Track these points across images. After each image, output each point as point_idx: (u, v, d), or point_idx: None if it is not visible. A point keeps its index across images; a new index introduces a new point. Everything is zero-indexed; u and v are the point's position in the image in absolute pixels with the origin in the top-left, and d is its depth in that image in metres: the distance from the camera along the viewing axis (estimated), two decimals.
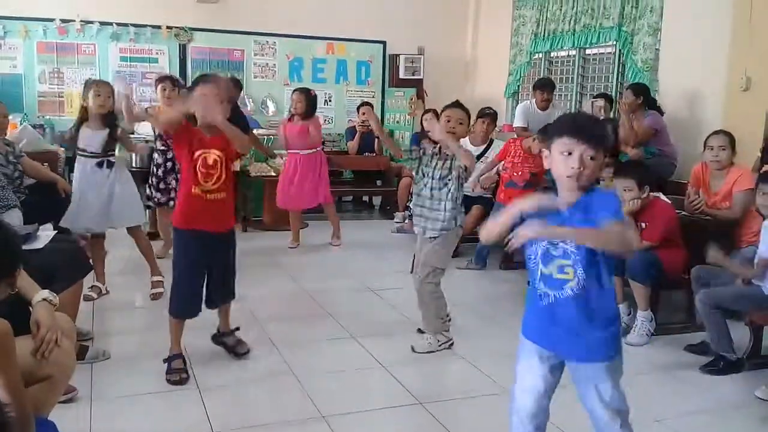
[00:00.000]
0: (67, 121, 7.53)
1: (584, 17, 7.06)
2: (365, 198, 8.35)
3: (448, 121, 3.52)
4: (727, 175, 4.20)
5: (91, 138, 4.05)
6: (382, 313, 4.21)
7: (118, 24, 7.79)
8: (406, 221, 6.62)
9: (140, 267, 4.45)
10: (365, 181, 7.75)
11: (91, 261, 3.66)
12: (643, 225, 3.82)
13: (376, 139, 7.59)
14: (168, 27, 7.97)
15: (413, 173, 3.63)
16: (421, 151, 3.54)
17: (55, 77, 7.65)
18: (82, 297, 3.36)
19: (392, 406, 2.96)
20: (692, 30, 5.77)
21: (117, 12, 7.73)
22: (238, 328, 3.45)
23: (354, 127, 7.56)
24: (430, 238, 3.49)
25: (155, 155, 5.24)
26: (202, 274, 3.19)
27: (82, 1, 7.61)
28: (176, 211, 3.22)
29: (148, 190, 5.26)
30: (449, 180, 3.44)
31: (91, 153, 4.06)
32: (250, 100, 8.19)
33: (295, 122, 5.80)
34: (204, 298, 3.24)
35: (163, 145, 5.15)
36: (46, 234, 3.16)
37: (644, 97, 5.54)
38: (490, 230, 2.01)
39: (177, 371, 3.08)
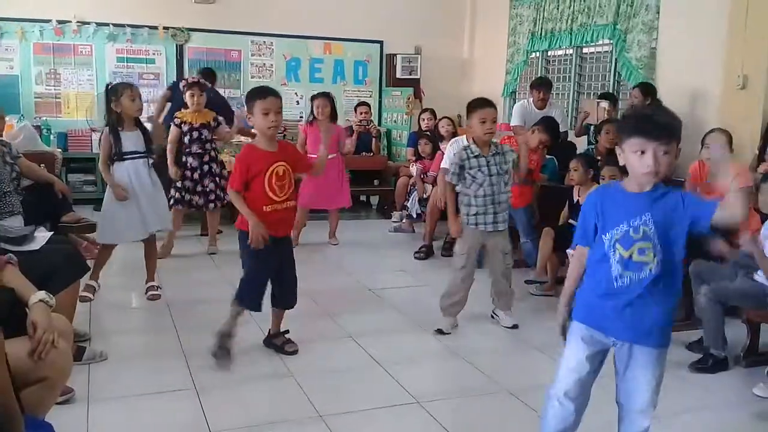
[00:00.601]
0: (65, 122, 7.57)
1: (581, 16, 7.06)
2: (363, 198, 8.35)
3: (484, 122, 3.67)
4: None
5: (136, 140, 4.08)
6: (381, 313, 4.20)
7: (115, 25, 7.78)
8: (404, 221, 6.62)
9: (137, 267, 4.44)
10: (363, 180, 7.74)
11: (89, 262, 3.67)
12: None
13: (374, 139, 7.60)
14: (165, 27, 7.97)
15: (459, 184, 3.80)
16: (459, 167, 3.74)
17: (51, 78, 7.65)
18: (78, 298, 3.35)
19: (391, 405, 2.95)
20: (689, 28, 5.78)
21: (113, 13, 7.73)
22: (288, 331, 3.52)
23: (351, 126, 7.56)
24: (500, 230, 3.80)
25: (189, 159, 5.25)
26: (269, 274, 3.33)
27: (78, 2, 7.62)
28: (243, 218, 3.25)
29: (177, 194, 5.27)
30: (503, 170, 3.74)
31: (141, 154, 4.10)
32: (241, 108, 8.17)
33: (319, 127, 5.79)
34: (272, 296, 3.40)
35: (199, 148, 5.25)
36: (42, 235, 3.15)
37: (652, 97, 5.59)
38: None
39: (224, 354, 3.22)
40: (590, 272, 2.14)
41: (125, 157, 4.05)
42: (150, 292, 4.27)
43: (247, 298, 3.32)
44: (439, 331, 3.79)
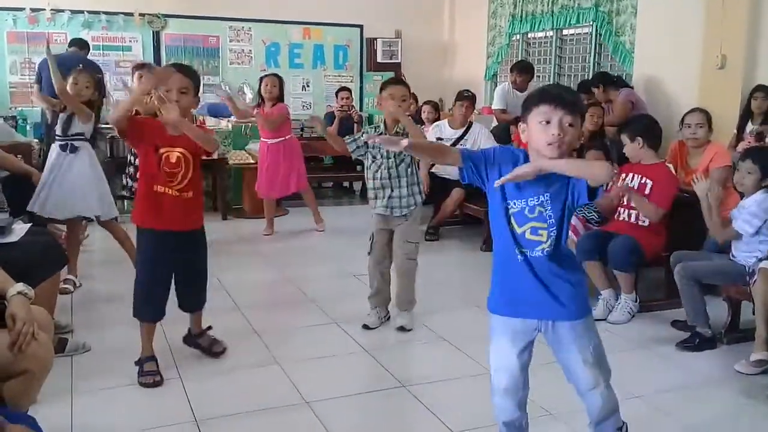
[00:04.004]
0: (40, 112, 7.43)
1: None
2: (346, 184, 8.33)
3: (392, 99, 3.48)
4: (704, 153, 4.24)
5: (60, 122, 4.03)
6: (364, 298, 4.19)
7: (90, 12, 7.66)
8: None
9: (119, 258, 4.39)
10: (345, 166, 7.70)
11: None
12: (648, 183, 3.83)
13: (356, 124, 7.56)
14: (141, 14, 7.87)
15: (364, 161, 3.61)
16: (362, 136, 3.54)
17: (26, 68, 7.52)
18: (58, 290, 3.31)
19: (376, 389, 2.96)
20: (667, 9, 5.80)
21: (88, 0, 7.59)
22: (210, 327, 3.31)
23: (333, 112, 7.52)
24: (401, 216, 3.54)
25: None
26: (167, 275, 3.01)
27: None
28: (136, 210, 3.05)
29: (124, 180, 5.19)
30: (405, 156, 3.47)
31: (57, 136, 4.04)
32: (227, 86, 8.10)
33: (268, 109, 5.72)
34: (177, 299, 3.12)
35: None
36: (20, 227, 3.11)
37: (603, 84, 5.84)
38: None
39: (150, 374, 2.94)
40: (497, 249, 2.08)
41: (56, 138, 4.05)
42: (62, 285, 3.82)
43: (143, 309, 3.00)
44: (365, 327, 3.64)
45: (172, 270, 3.03)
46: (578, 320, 2.02)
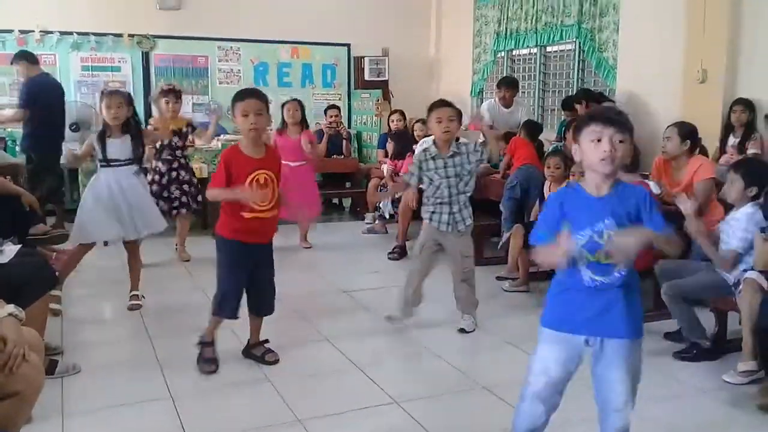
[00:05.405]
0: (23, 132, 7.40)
1: (545, 15, 7.16)
2: (335, 200, 8.35)
3: (440, 122, 3.67)
4: (687, 166, 4.29)
5: (120, 146, 4.05)
6: (356, 315, 4.22)
7: (79, 33, 7.68)
8: (377, 222, 6.63)
9: (110, 279, 4.40)
10: (334, 183, 7.75)
11: (63, 273, 3.62)
12: None
13: (344, 141, 7.60)
14: (130, 35, 7.89)
15: (418, 186, 3.88)
16: (417, 168, 3.76)
17: (15, 89, 7.50)
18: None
19: (369, 406, 2.96)
20: (649, 25, 5.89)
21: (77, 21, 7.62)
22: (267, 341, 3.46)
23: (322, 130, 7.56)
24: (459, 231, 3.77)
25: (158, 164, 5.29)
26: (245, 279, 3.28)
27: (41, 11, 7.49)
28: (223, 224, 3.26)
29: (174, 193, 5.32)
30: (463, 173, 3.72)
31: (125, 160, 4.06)
32: (216, 105, 8.12)
33: (290, 134, 5.78)
34: (248, 302, 3.36)
35: (169, 154, 5.30)
36: (10, 249, 3.11)
37: (586, 100, 5.92)
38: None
39: (208, 361, 3.25)
40: (559, 277, 2.16)
41: (111, 163, 4.04)
42: (131, 302, 4.19)
43: (223, 307, 3.28)
44: (389, 318, 3.89)
45: (248, 275, 3.29)
46: (633, 339, 2.10)
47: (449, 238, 3.80)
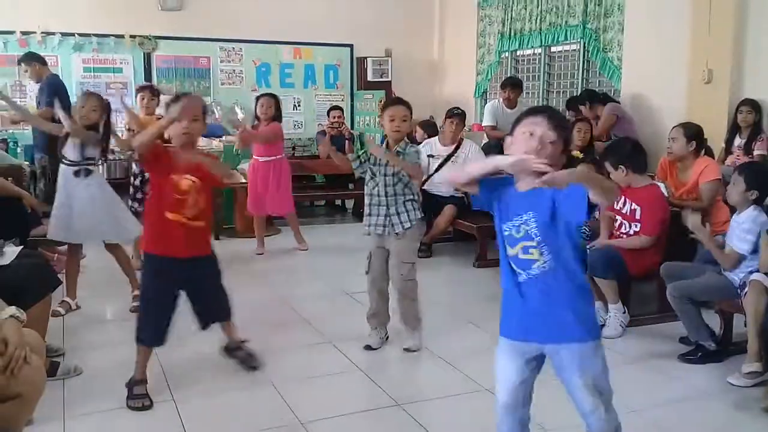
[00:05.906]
0: (32, 135, 7.42)
1: (549, 16, 7.14)
2: (338, 202, 8.33)
3: (392, 120, 3.50)
4: (693, 167, 4.26)
5: (73, 148, 3.97)
6: (358, 316, 4.18)
7: (80, 34, 7.69)
8: None
9: (113, 280, 4.38)
10: (337, 184, 7.74)
11: (61, 275, 3.61)
12: (638, 209, 3.82)
13: (347, 142, 7.59)
14: (131, 36, 7.90)
15: (365, 177, 3.60)
16: (365, 154, 3.55)
17: (17, 90, 7.52)
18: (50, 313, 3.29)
19: (371, 408, 2.95)
20: (653, 25, 5.87)
21: (79, 22, 7.64)
22: (245, 341, 3.31)
23: (324, 130, 7.55)
24: (397, 234, 3.50)
25: (134, 165, 5.25)
26: (170, 302, 2.97)
27: (42, 12, 7.51)
28: (146, 234, 3.06)
29: (129, 203, 5.18)
30: (402, 175, 3.48)
31: (72, 162, 3.98)
32: (218, 107, 8.13)
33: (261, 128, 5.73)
34: (196, 320, 3.11)
35: None
36: (12, 250, 3.10)
37: (590, 101, 5.98)
38: (456, 175, 2.12)
39: (139, 397, 2.92)
40: (501, 283, 2.10)
41: (64, 161, 3.99)
42: (133, 303, 4.09)
43: (144, 333, 2.96)
44: (368, 347, 3.60)
45: (176, 297, 2.99)
46: (583, 343, 1.99)
47: (390, 242, 3.54)
